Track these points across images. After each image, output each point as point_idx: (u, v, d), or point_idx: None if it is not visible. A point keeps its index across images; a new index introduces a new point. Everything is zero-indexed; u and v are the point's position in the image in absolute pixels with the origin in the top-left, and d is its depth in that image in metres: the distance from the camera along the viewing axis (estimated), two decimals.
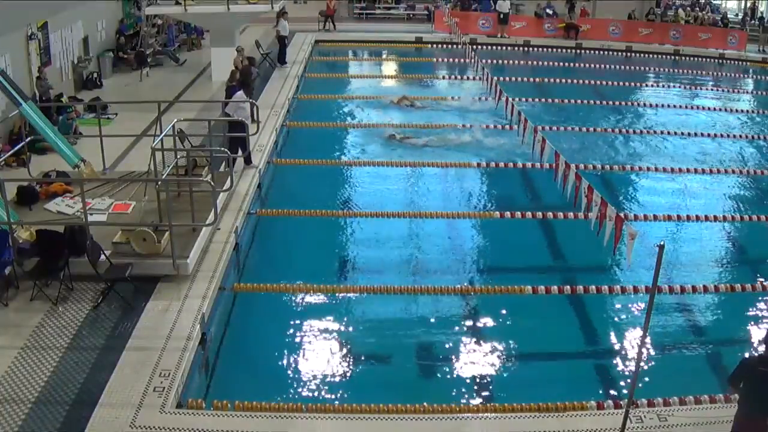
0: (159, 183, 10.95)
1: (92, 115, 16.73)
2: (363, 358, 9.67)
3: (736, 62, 28.09)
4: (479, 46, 26.60)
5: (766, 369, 6.82)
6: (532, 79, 23.51)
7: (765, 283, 11.51)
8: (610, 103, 21.09)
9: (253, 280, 11.14)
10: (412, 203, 14.29)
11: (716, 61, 28.10)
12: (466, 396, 8.83)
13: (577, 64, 26.48)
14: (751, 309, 11.00)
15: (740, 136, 19.18)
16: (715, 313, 11.02)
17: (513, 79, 22.91)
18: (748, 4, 34.76)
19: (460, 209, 14.09)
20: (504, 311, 10.66)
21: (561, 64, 26.13)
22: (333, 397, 8.65)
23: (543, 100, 20.91)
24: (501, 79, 18.80)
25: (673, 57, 28.33)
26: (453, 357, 9.63)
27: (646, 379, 8.85)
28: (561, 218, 13.07)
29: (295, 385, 8.94)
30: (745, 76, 27.54)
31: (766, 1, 34.41)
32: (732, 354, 9.96)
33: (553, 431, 7.74)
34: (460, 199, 14.80)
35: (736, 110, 21.81)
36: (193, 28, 26.52)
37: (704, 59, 28.02)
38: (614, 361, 9.72)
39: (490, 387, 9.08)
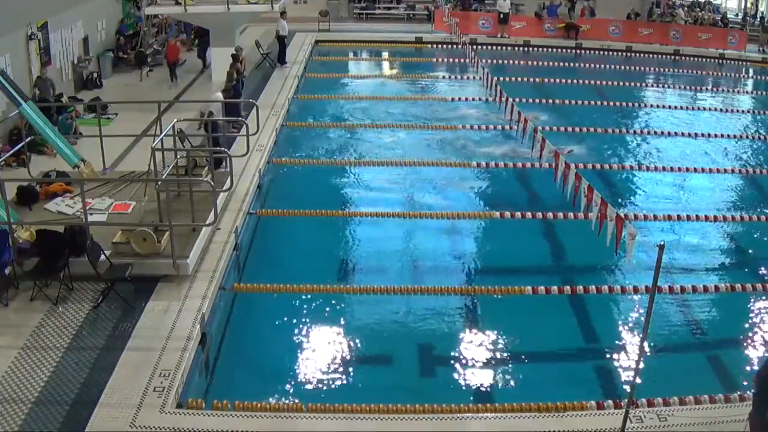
0: (159, 183, 10.95)
1: (92, 115, 16.74)
2: (363, 358, 9.67)
3: (736, 62, 28.08)
4: (479, 46, 26.57)
5: None
6: (532, 79, 23.51)
7: (765, 283, 11.52)
8: (611, 103, 21.08)
9: (253, 280, 11.14)
10: (412, 203, 14.29)
11: (716, 61, 28.08)
12: (467, 396, 8.83)
13: (577, 64, 26.48)
14: (751, 309, 11.00)
15: (740, 136, 19.18)
16: (715, 313, 11.02)
17: (513, 79, 22.91)
18: (749, 4, 34.75)
19: (460, 209, 14.08)
20: (504, 311, 10.66)
21: (561, 64, 26.12)
22: (333, 397, 8.64)
23: (543, 100, 20.91)
24: (501, 79, 18.80)
25: (673, 57, 28.31)
26: (453, 357, 9.62)
27: (646, 379, 8.84)
28: (561, 218, 13.07)
29: (295, 385, 8.94)
30: (745, 76, 27.54)
31: (767, 1, 34.41)
32: (732, 354, 10.02)
33: (553, 431, 7.74)
34: (460, 199, 14.79)
35: (736, 110, 21.82)
36: (193, 29, 26.48)
37: (704, 59, 28.00)
38: (614, 361, 9.71)
39: (490, 387, 9.09)
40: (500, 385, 9.13)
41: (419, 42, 28.69)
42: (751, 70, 27.83)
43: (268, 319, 10.42)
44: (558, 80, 23.31)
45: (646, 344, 7.54)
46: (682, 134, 18.62)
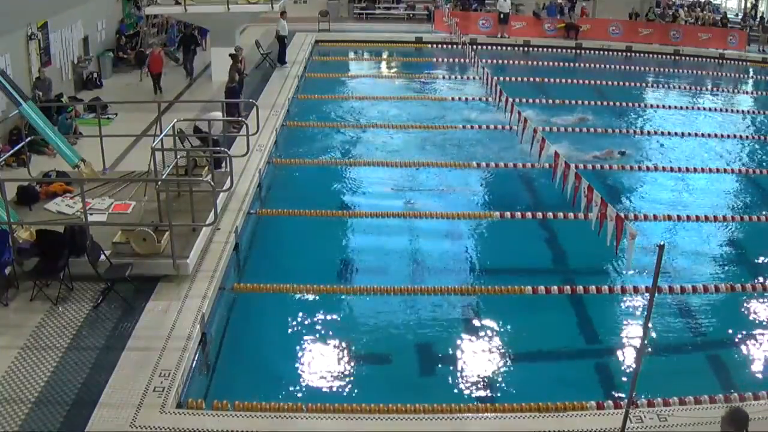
0: (159, 183, 10.96)
1: (92, 115, 16.74)
2: (363, 358, 9.66)
3: (736, 62, 28.08)
4: (479, 46, 26.58)
5: None
6: (532, 79, 23.51)
7: (765, 283, 11.52)
8: (611, 103, 21.09)
9: (253, 280, 11.14)
10: (412, 203, 14.28)
11: (716, 61, 28.08)
12: (466, 396, 8.83)
13: (577, 64, 26.49)
14: (751, 309, 10.99)
15: (740, 136, 19.18)
16: (715, 313, 11.00)
17: (513, 79, 22.91)
18: (749, 4, 34.73)
19: (460, 209, 14.07)
20: (504, 311, 10.65)
21: (561, 64, 26.13)
22: (333, 397, 8.64)
23: (543, 100, 20.90)
24: (501, 79, 18.80)
25: (673, 57, 28.32)
26: (453, 357, 9.62)
27: (646, 379, 8.83)
28: (561, 218, 13.07)
29: (295, 385, 8.94)
30: (745, 76, 27.54)
31: (767, 1, 34.38)
32: (732, 354, 10.01)
33: (553, 431, 7.74)
34: (460, 199, 14.79)
35: (736, 110, 21.82)
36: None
37: (704, 59, 28.00)
38: (614, 361, 9.72)
39: (490, 387, 9.08)
40: (500, 385, 9.13)
41: (419, 42, 28.71)
42: (751, 70, 27.82)
43: (268, 319, 10.41)
44: (558, 80, 23.31)
45: (646, 344, 7.53)
46: (682, 134, 18.62)
